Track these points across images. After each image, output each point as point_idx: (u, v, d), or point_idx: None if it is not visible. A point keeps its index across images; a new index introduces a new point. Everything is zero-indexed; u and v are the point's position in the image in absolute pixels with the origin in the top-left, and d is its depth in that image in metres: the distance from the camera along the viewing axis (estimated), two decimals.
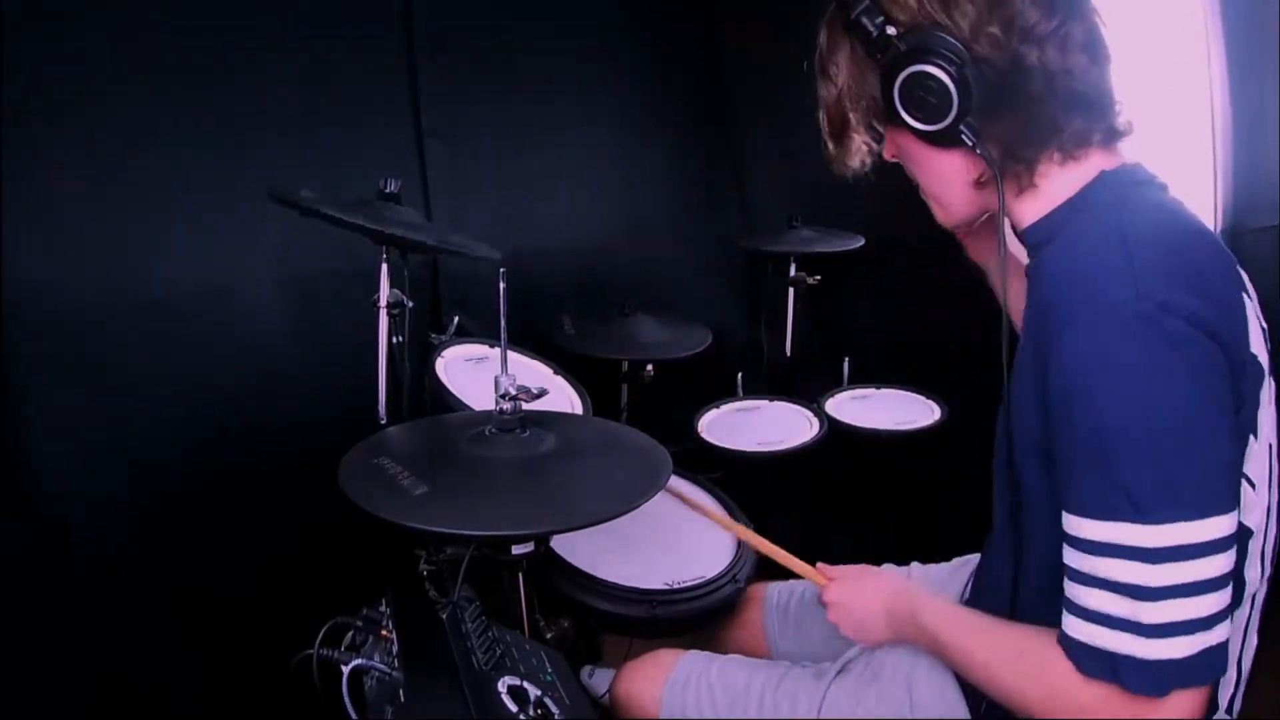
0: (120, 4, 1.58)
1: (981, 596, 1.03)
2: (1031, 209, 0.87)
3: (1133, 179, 0.85)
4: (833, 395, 2.14)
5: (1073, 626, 0.75)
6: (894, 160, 0.96)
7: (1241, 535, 0.77)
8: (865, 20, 0.83)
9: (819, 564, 1.18)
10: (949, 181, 0.91)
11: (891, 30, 0.82)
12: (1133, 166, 0.86)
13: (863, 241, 2.22)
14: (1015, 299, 1.07)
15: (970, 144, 0.83)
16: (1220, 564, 0.71)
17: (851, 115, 0.92)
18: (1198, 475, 0.71)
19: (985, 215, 0.94)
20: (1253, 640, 0.86)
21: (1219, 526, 0.70)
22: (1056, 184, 0.85)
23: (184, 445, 1.69)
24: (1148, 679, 0.71)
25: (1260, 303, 0.85)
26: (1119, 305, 0.72)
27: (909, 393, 2.12)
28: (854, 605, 1.08)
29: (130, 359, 1.62)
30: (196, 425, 1.70)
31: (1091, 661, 0.74)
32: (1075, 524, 0.75)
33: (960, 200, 0.92)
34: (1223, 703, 0.85)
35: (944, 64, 0.80)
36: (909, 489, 2.26)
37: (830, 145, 0.97)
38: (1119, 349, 0.71)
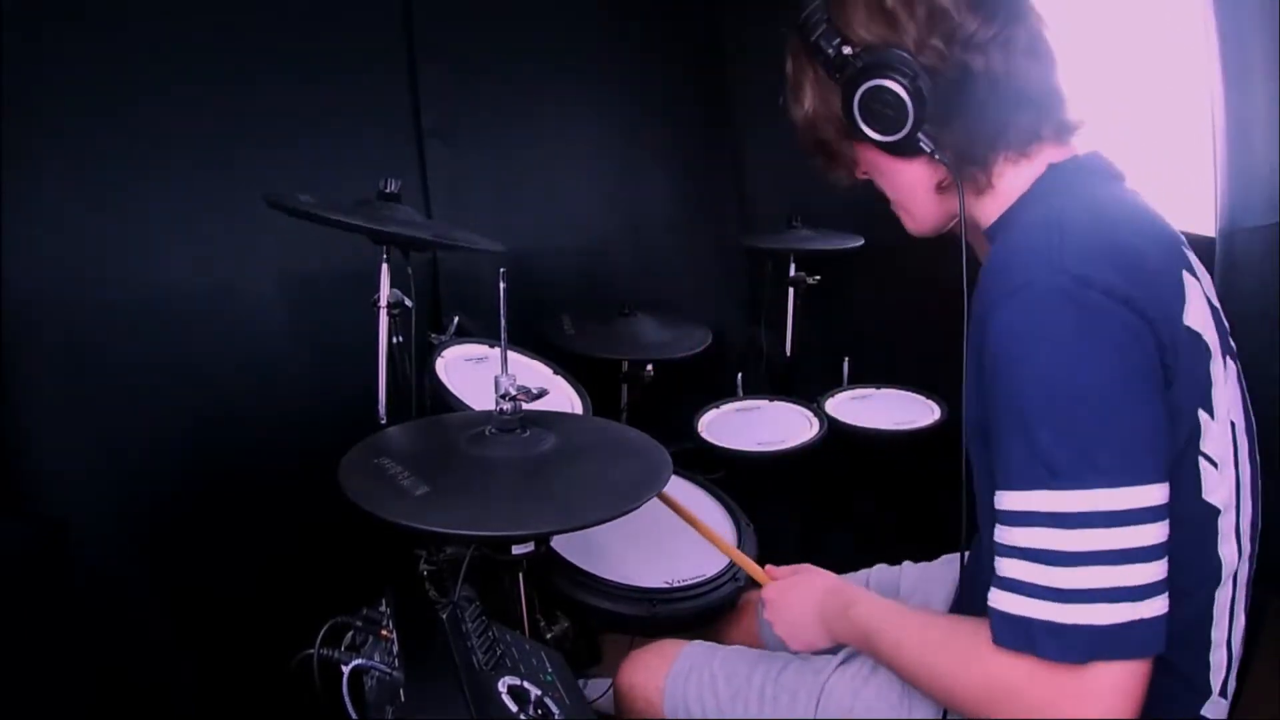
0: (120, 4, 1.58)
1: (971, 585, 1.03)
2: (991, 208, 0.91)
3: (1080, 169, 0.88)
4: (833, 395, 2.14)
5: (994, 597, 0.75)
6: (865, 177, 1.00)
7: (1208, 513, 0.80)
8: (823, 43, 0.89)
9: (768, 566, 1.19)
10: (913, 190, 0.95)
11: (847, 50, 0.87)
12: (1085, 156, 0.90)
13: (863, 241, 2.23)
14: None
15: (929, 151, 0.87)
16: (1150, 534, 0.70)
17: (823, 135, 0.97)
18: (1115, 443, 0.71)
19: (953, 221, 0.97)
20: (1240, 620, 0.87)
21: (1142, 496, 0.70)
22: (1011, 182, 0.88)
23: (184, 445, 1.69)
24: (1063, 645, 0.70)
25: (1255, 299, 0.86)
26: (1038, 280, 0.74)
27: (909, 393, 2.13)
28: (788, 604, 1.09)
29: (130, 359, 1.62)
30: (197, 425, 1.70)
31: (1009, 630, 0.73)
32: (1000, 498, 0.76)
33: (926, 207, 0.96)
34: (1215, 685, 0.85)
35: (896, 77, 0.84)
36: (909, 489, 2.27)
37: (817, 164, 1.02)
38: (1036, 321, 0.74)
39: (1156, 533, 0.71)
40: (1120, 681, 0.70)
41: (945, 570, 1.23)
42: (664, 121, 2.50)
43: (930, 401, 2.05)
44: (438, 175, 2.06)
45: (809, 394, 2.13)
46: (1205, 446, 0.79)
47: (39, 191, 1.51)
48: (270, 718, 1.58)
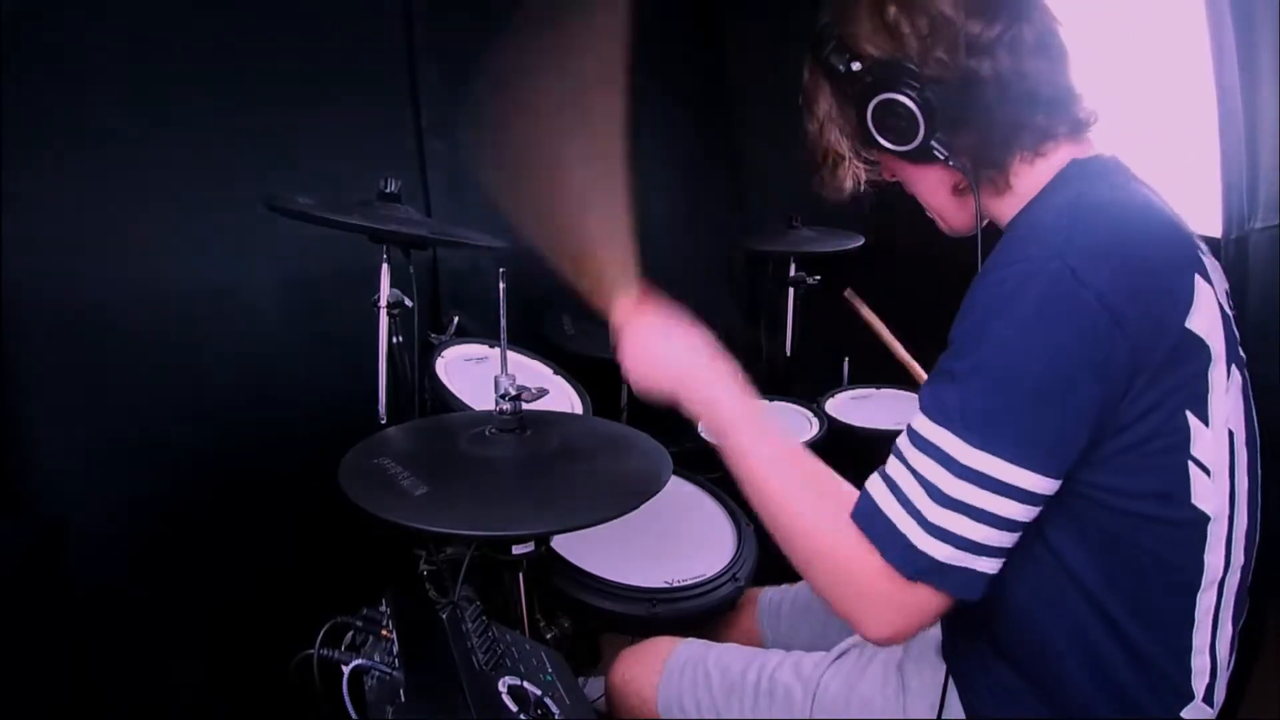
0: (120, 5, 1.58)
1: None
2: (1012, 205, 0.91)
3: (1105, 165, 0.89)
4: (833, 395, 2.14)
5: (872, 481, 0.83)
6: (893, 180, 1.01)
7: (1196, 519, 0.81)
8: (833, 59, 0.91)
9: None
10: (935, 193, 0.96)
11: (856, 65, 0.89)
12: (1107, 158, 0.90)
13: (862, 241, 2.23)
14: None
15: (943, 158, 0.88)
16: (1018, 511, 0.76)
17: (837, 146, 0.98)
18: (1030, 430, 0.75)
19: (986, 221, 0.96)
20: (1226, 629, 0.87)
21: (1029, 480, 0.75)
22: (1028, 181, 0.89)
23: (184, 445, 1.69)
24: (906, 561, 0.78)
25: (1259, 302, 0.85)
26: (1037, 258, 0.76)
27: (909, 393, 2.13)
28: (649, 350, 1.04)
29: (130, 359, 1.62)
30: (197, 425, 1.70)
31: (870, 520, 0.81)
32: (916, 416, 0.81)
33: (951, 209, 0.97)
34: (1199, 691, 0.85)
35: (904, 90, 0.86)
36: None
37: (821, 170, 1.02)
38: (1017, 292, 0.76)
39: (1024, 512, 0.77)
40: (931, 604, 0.80)
41: None
42: (665, 122, 2.50)
43: None
44: (438, 175, 2.06)
45: (809, 394, 2.13)
46: (1196, 452, 0.80)
47: (39, 191, 1.51)
48: (270, 718, 1.58)
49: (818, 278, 2.28)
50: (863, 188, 1.02)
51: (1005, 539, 0.78)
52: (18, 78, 1.47)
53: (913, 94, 0.86)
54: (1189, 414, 0.79)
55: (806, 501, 0.87)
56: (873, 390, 2.18)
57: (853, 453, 2.09)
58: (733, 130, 2.65)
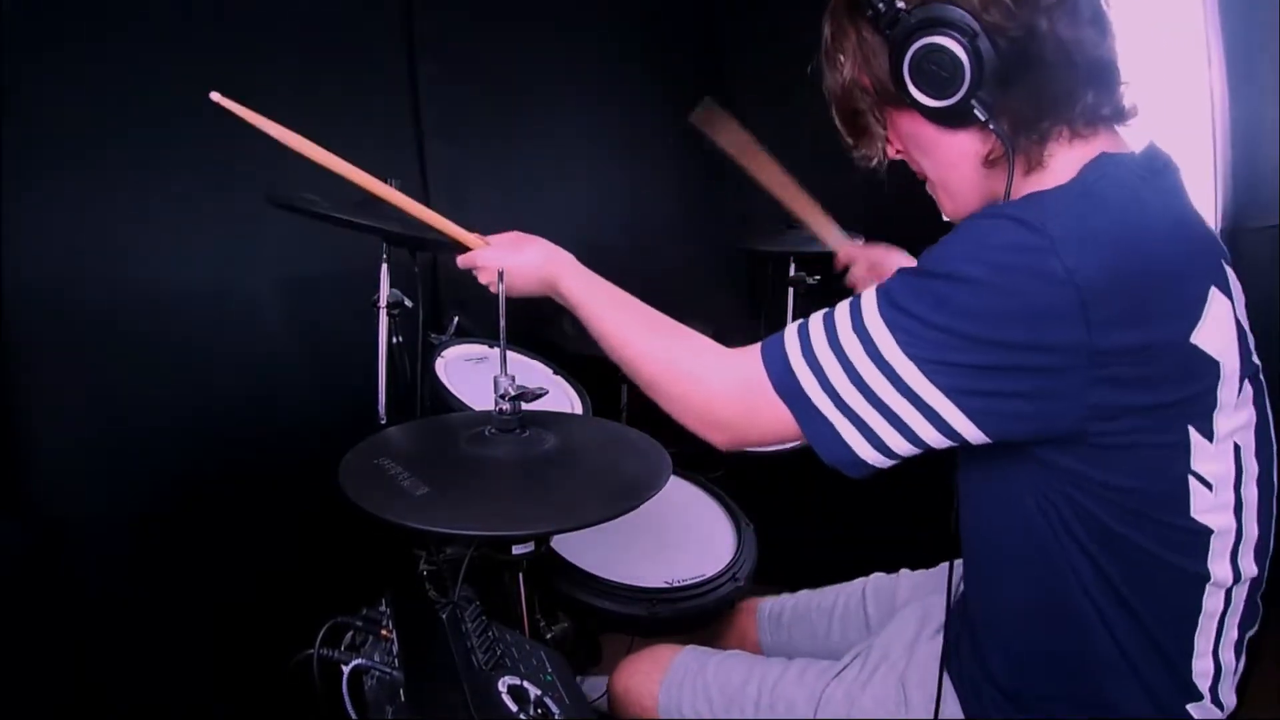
0: (120, 5, 1.58)
1: (973, 592, 1.03)
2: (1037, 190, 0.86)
3: (1135, 163, 0.83)
4: None
5: (789, 335, 0.86)
6: (898, 157, 0.95)
7: (1196, 531, 0.79)
8: None
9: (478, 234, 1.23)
10: (957, 164, 0.88)
11: (901, 3, 0.81)
12: (1141, 153, 0.85)
13: (863, 241, 2.22)
14: None
15: (983, 119, 0.81)
16: (925, 431, 0.78)
17: (859, 105, 0.91)
18: (965, 365, 0.75)
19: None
20: (1232, 634, 0.86)
21: (941, 405, 0.76)
22: (1061, 164, 0.83)
23: (184, 445, 1.69)
24: (771, 355, 0.85)
25: (1259, 302, 0.85)
26: (1027, 220, 0.74)
27: None
28: (505, 260, 1.14)
29: (130, 359, 1.62)
30: (197, 425, 1.70)
31: (778, 367, 0.85)
32: (865, 295, 0.81)
33: (968, 185, 0.90)
34: (1204, 690, 0.85)
35: (956, 34, 0.78)
36: (908, 489, 2.26)
37: (848, 138, 0.96)
38: (994, 239, 0.75)
39: (929, 434, 0.78)
40: (779, 420, 0.86)
41: (942, 579, 1.18)
42: (665, 121, 2.50)
43: None
44: (438, 175, 2.06)
45: None
46: (1196, 465, 0.78)
47: (39, 192, 1.51)
48: (270, 718, 1.58)
49: (817, 278, 2.28)
50: (884, 160, 0.96)
51: (902, 443, 0.79)
52: (18, 79, 1.46)
53: (964, 40, 0.78)
54: (1191, 428, 0.77)
55: (671, 328, 0.99)
56: None
57: None
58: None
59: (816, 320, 0.85)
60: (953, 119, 0.83)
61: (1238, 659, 0.88)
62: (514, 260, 1.13)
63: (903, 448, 0.80)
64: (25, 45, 1.47)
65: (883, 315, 0.78)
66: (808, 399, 0.82)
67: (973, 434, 0.77)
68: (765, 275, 2.50)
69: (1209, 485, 0.79)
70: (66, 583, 1.50)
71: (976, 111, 0.80)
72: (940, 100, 0.81)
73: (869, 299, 0.80)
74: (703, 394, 0.91)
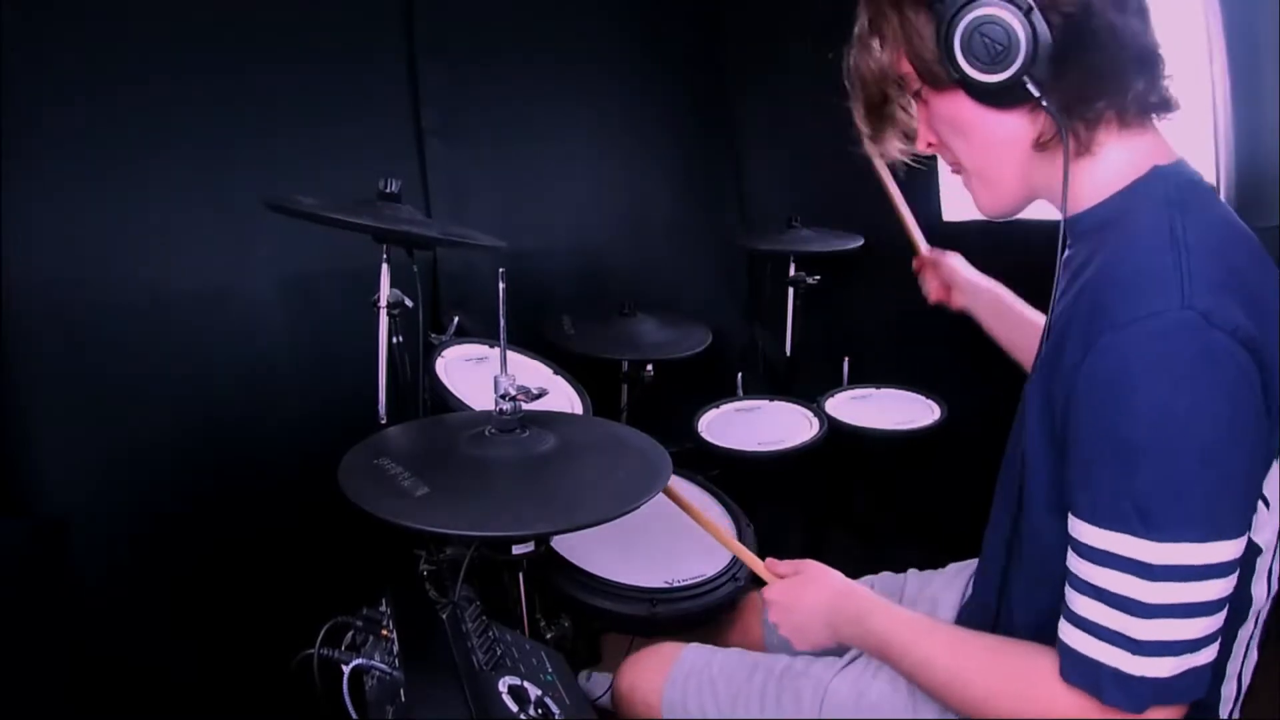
0: (120, 6, 1.58)
1: (978, 596, 1.03)
2: (1087, 189, 0.83)
3: (1190, 180, 0.81)
4: (832, 395, 2.13)
5: (1066, 633, 0.75)
6: (930, 151, 0.92)
7: (1250, 552, 0.75)
8: None
9: (769, 560, 1.16)
10: (1001, 149, 0.85)
11: None
12: (1182, 164, 0.83)
13: (862, 241, 2.22)
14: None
15: (1035, 96, 0.78)
16: (1219, 588, 0.70)
17: (890, 91, 0.89)
18: (1213, 497, 0.69)
19: (1031, 201, 0.90)
20: (1254, 655, 0.85)
21: (1224, 551, 0.69)
22: (1111, 155, 0.81)
23: (184, 446, 1.69)
24: (1128, 695, 0.71)
25: None
26: (1166, 312, 0.69)
27: (909, 393, 2.12)
28: (793, 605, 1.06)
29: (130, 359, 1.62)
30: (197, 426, 1.70)
31: (1078, 669, 0.73)
32: (1080, 528, 0.73)
33: (1011, 174, 0.86)
34: (1224, 715, 0.84)
35: (1012, 7, 0.75)
36: (909, 489, 2.26)
37: (866, 129, 0.94)
38: (1157, 353, 0.69)
39: (1226, 585, 0.70)
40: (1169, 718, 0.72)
41: (953, 580, 1.20)
42: (664, 121, 2.50)
43: (930, 401, 2.05)
44: (438, 175, 2.06)
45: (809, 394, 2.13)
46: (1264, 487, 0.76)
47: (39, 193, 1.51)
48: (271, 717, 1.58)
49: (817, 278, 2.28)
50: (903, 160, 0.94)
51: (1216, 621, 0.71)
52: (19, 80, 1.47)
53: (1021, 13, 0.75)
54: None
55: (995, 676, 0.81)
56: (872, 390, 2.18)
57: (852, 452, 2.09)
58: (733, 130, 2.65)
59: None
60: (1002, 97, 0.80)
61: (1251, 676, 0.87)
62: (802, 602, 1.05)
63: (1222, 617, 0.73)
64: (25, 45, 1.47)
65: None
66: None
67: (1244, 544, 0.73)
68: (765, 275, 2.50)
69: (1268, 503, 0.77)
70: (66, 582, 1.50)
71: (1030, 87, 0.77)
72: (993, 75, 0.78)
73: (1113, 540, 0.71)
74: None
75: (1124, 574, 0.70)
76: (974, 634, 0.87)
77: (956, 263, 1.41)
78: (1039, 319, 1.20)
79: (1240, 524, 0.71)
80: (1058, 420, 0.77)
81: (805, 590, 1.06)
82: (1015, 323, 1.27)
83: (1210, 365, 0.68)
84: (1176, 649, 0.69)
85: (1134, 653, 0.70)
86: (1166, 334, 0.69)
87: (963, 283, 1.38)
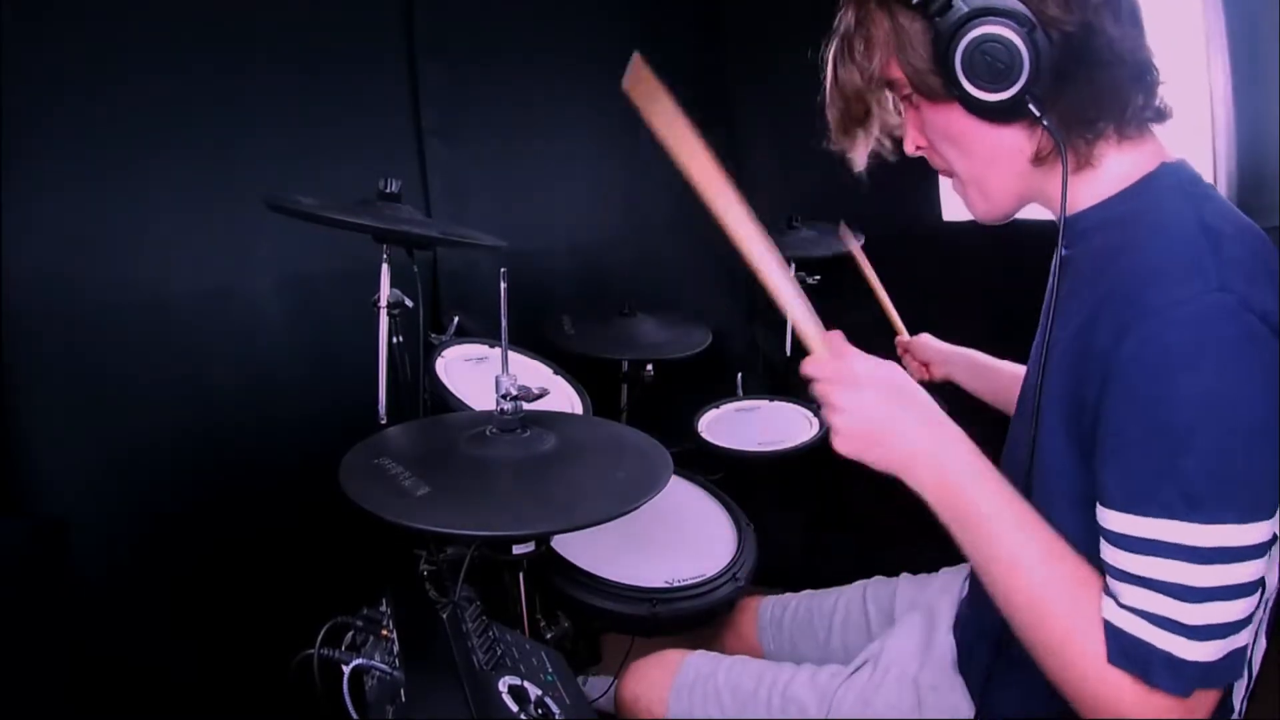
0: (120, 6, 1.58)
1: (980, 595, 1.03)
2: (1085, 192, 0.83)
3: (1193, 177, 0.82)
4: None
5: (1113, 613, 0.72)
6: (917, 154, 0.91)
7: (1272, 539, 0.75)
8: None
9: (835, 331, 0.94)
10: (998, 162, 0.84)
11: None
12: (1185, 163, 0.83)
13: (863, 242, 2.22)
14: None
15: (1036, 114, 0.78)
16: (1255, 569, 0.70)
17: (872, 102, 0.88)
18: (1255, 478, 0.69)
19: (1025, 205, 0.89)
20: (1262, 643, 0.85)
21: (1261, 531, 0.69)
22: (1113, 165, 0.81)
23: (184, 446, 1.69)
24: (1177, 678, 0.70)
25: None
26: (1200, 295, 0.69)
27: None
28: (864, 407, 0.86)
29: (130, 359, 1.62)
30: (197, 426, 1.70)
31: (1126, 653, 0.71)
32: (1115, 519, 0.72)
33: (1007, 184, 0.86)
34: (1237, 705, 0.84)
35: (1014, 25, 0.75)
36: (908, 489, 2.26)
37: (841, 132, 0.93)
38: (1198, 338, 0.68)
39: (1260, 566, 0.70)
40: (1207, 704, 0.72)
41: (946, 583, 1.19)
42: None
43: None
44: (438, 175, 2.06)
45: (809, 394, 2.13)
46: None
47: (39, 192, 1.51)
48: (271, 717, 1.58)
49: (818, 278, 2.28)
50: (868, 167, 0.93)
51: (1254, 602, 0.71)
52: (19, 80, 1.47)
53: (1022, 31, 0.74)
54: None
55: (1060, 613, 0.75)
56: None
57: None
58: (733, 130, 2.65)
59: None
60: (1000, 114, 0.79)
61: (1259, 666, 0.86)
62: (874, 418, 0.86)
63: (1254, 605, 0.73)
64: (26, 45, 1.47)
65: None
66: None
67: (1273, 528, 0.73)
68: None
69: None
70: (66, 582, 1.50)
71: (1031, 106, 0.77)
72: (994, 94, 0.77)
73: (1159, 527, 0.70)
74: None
75: (1172, 560, 0.69)
76: (1066, 549, 0.79)
77: (927, 340, 1.47)
78: (1018, 369, 1.20)
79: (1274, 504, 0.70)
80: (1088, 411, 0.75)
81: (887, 399, 0.87)
82: (994, 376, 1.30)
83: (1250, 350, 0.68)
84: (1223, 631, 0.69)
85: (1185, 636, 0.69)
86: (1206, 318, 0.68)
87: (936, 355, 1.44)
